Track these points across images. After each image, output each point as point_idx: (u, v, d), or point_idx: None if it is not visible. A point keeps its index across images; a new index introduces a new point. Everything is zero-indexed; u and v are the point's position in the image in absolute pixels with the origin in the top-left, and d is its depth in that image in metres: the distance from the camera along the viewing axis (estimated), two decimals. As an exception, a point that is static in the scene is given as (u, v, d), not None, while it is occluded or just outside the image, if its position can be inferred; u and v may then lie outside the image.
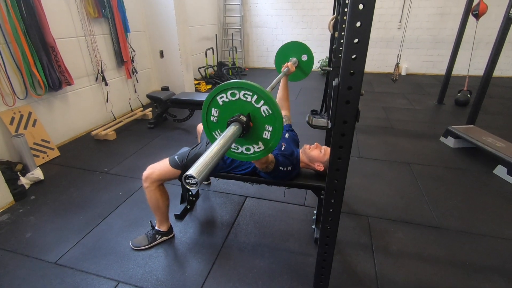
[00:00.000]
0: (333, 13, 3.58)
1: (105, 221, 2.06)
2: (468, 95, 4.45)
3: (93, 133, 3.31)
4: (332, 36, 3.52)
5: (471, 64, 5.06)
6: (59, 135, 3.18)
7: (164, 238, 1.85)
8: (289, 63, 2.05)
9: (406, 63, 6.70)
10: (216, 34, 6.57)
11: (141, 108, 4.08)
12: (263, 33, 7.20)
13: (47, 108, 3.01)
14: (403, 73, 6.73)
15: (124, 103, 4.10)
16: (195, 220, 2.10)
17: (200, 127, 2.26)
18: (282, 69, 2.03)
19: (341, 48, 1.96)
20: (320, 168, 1.71)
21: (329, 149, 1.73)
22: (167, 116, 3.90)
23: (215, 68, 6.38)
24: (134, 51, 4.05)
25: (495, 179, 2.56)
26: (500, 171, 2.58)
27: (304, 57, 2.22)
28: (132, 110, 4.18)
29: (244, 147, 1.15)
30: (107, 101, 3.73)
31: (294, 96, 5.10)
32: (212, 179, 2.49)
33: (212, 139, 1.17)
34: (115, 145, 3.21)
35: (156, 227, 1.84)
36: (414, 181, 2.53)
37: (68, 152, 3.04)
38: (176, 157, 1.75)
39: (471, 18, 4.03)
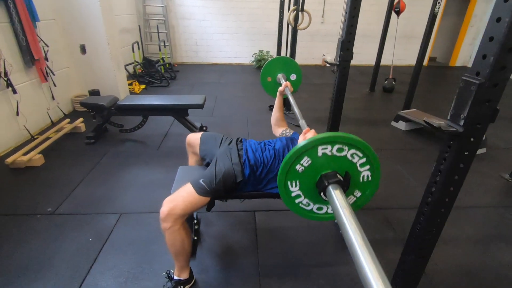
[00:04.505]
0: (293, 4, 3.51)
1: (86, 283, 1.47)
2: (393, 82, 5.09)
3: (8, 160, 2.38)
4: (294, 29, 3.46)
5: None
6: (-49, 171, 2.17)
7: (187, 287, 1.44)
8: (289, 82, 1.87)
9: (329, 55, 7.27)
10: (139, 26, 5.71)
11: (68, 120, 3.18)
12: (191, 25, 6.64)
13: None
14: (328, 64, 7.28)
15: (41, 115, 3.12)
16: (210, 252, 1.71)
17: (191, 138, 1.83)
18: (281, 89, 1.85)
19: (349, 41, 1.87)
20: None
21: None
22: (107, 127, 3.15)
23: (142, 65, 5.55)
24: (47, 46, 3.10)
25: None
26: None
27: (293, 77, 2.11)
28: (53, 123, 3.23)
29: (316, 206, 1.00)
30: (17, 114, 2.76)
31: (243, 93, 4.88)
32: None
33: (283, 188, 0.96)
34: (48, 174, 2.40)
35: (176, 277, 1.41)
36: (394, 166, 2.70)
37: (-26, 194, 2.11)
38: (201, 181, 1.34)
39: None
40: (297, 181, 0.93)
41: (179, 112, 2.94)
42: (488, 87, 0.82)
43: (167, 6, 6.27)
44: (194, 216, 1.87)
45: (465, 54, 7.55)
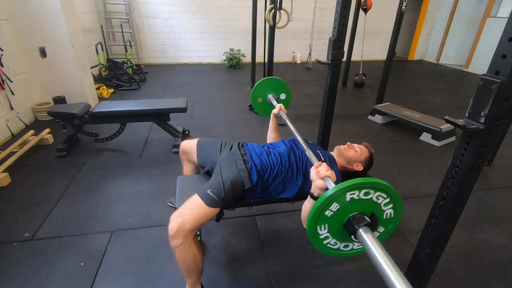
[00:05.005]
0: (270, 3, 3.47)
1: (86, 315, 1.34)
2: (363, 77, 5.31)
3: (-33, 182, 2.09)
4: (272, 28, 3.43)
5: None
6: None
7: (201, 305, 1.36)
8: (282, 105, 1.84)
9: (299, 52, 7.38)
10: (101, 26, 5.32)
11: (32, 131, 2.86)
12: (156, 24, 6.34)
13: None
14: (298, 61, 7.40)
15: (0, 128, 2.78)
16: (217, 263, 1.64)
17: (187, 145, 1.73)
18: (275, 111, 1.82)
19: (340, 40, 1.88)
20: (360, 168, 1.62)
21: (362, 146, 1.68)
22: (79, 136, 2.90)
23: (108, 67, 5.19)
24: (1, 50, 2.75)
25: (423, 144, 3.15)
26: (425, 137, 3.20)
27: (283, 96, 2.12)
28: (13, 136, 2.90)
29: (343, 244, 1.04)
30: (-29, 128, 2.43)
31: (219, 93, 4.78)
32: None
33: (313, 232, 0.97)
34: (18, 194, 2.14)
35: (188, 295, 1.33)
36: (378, 159, 2.80)
37: None
38: (209, 191, 1.27)
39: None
40: (326, 225, 0.97)
41: (161, 117, 2.79)
42: (509, 85, 0.86)
43: (129, 3, 5.91)
44: (194, 227, 1.78)
45: (422, 48, 8.10)
